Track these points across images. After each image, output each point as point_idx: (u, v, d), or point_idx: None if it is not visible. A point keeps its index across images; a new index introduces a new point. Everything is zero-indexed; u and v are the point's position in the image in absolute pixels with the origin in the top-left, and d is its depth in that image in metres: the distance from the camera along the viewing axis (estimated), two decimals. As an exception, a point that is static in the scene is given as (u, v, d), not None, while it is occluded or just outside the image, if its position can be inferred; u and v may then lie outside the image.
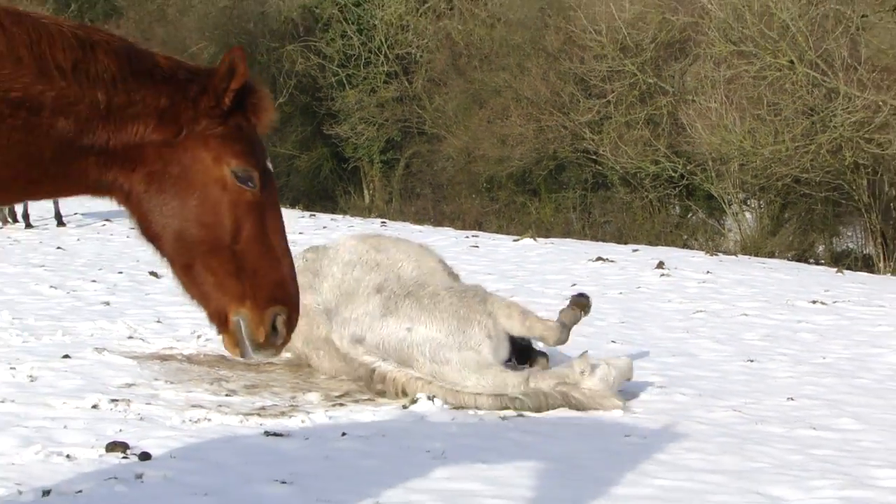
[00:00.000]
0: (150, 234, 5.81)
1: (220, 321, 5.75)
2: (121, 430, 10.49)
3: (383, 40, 53.18)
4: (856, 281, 28.57)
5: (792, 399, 13.88)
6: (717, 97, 39.23)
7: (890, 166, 38.79)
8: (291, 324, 5.82)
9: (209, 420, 11.37)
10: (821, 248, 45.49)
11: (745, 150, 38.84)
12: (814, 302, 22.73)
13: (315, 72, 54.24)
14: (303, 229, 33.75)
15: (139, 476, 9.57)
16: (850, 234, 46.41)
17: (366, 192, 55.05)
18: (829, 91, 39.68)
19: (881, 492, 10.02)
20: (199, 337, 15.60)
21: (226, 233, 5.69)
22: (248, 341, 5.79)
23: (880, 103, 37.68)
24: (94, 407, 11.44)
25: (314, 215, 42.55)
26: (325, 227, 36.76)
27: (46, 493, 8.92)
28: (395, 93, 52.96)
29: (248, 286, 5.74)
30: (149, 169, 5.67)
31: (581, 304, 13.97)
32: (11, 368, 13.16)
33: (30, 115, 5.37)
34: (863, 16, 40.92)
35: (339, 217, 43.74)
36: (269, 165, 5.88)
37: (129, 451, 10.12)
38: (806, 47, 40.08)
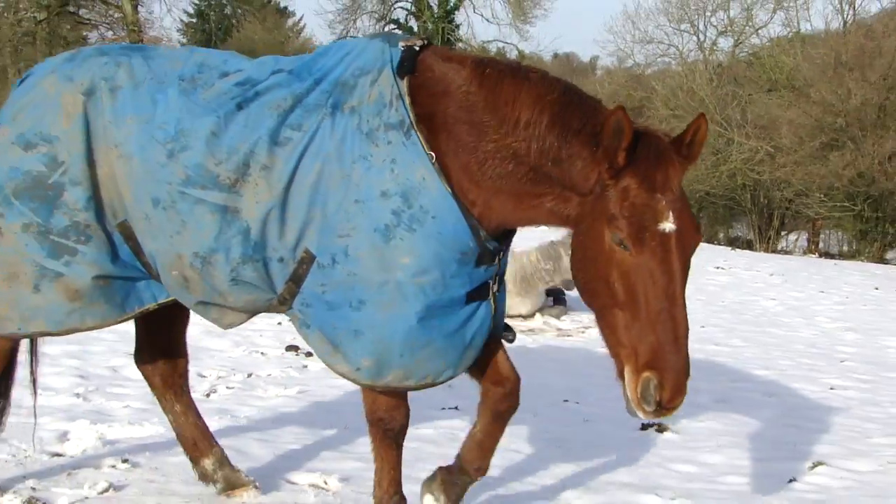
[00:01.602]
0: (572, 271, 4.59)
1: (619, 373, 4.27)
2: (294, 338, 10.49)
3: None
4: (742, 255, 28.52)
5: (703, 326, 13.82)
6: (660, 142, 39.37)
7: (763, 186, 38.85)
8: (665, 390, 4.11)
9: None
10: (721, 234, 45.57)
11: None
12: (717, 267, 22.60)
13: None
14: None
15: (305, 366, 9.62)
16: (739, 226, 46.62)
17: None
18: (728, 139, 39.78)
19: (758, 384, 9.99)
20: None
21: (609, 292, 4.22)
22: (629, 399, 4.23)
23: (758, 148, 38.05)
24: (279, 323, 11.44)
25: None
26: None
27: (249, 375, 8.96)
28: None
29: (631, 346, 4.19)
30: (574, 215, 4.43)
31: None
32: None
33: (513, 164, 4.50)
34: (749, 94, 41.17)
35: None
36: (666, 226, 4.13)
37: (299, 351, 10.16)
38: (714, 112, 40.01)
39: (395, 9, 59.35)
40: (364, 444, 6.83)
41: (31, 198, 4.81)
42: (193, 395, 7.97)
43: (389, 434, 4.96)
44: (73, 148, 4.79)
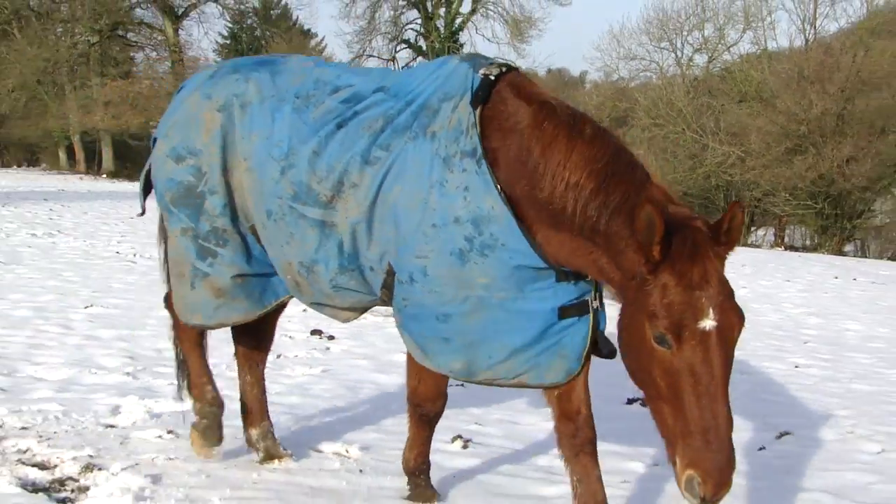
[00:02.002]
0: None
1: (670, 459, 3.70)
2: (318, 323, 10.51)
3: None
4: (716, 248, 28.34)
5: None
6: (643, 148, 39.05)
7: (735, 186, 38.89)
8: (708, 487, 3.49)
9: (364, 318, 11.28)
10: (697, 231, 45.42)
11: (657, 178, 39.31)
12: (693, 259, 22.53)
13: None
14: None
15: (328, 348, 9.61)
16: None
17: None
18: (703, 145, 39.82)
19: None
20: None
21: (653, 385, 3.70)
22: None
23: (730, 153, 38.18)
24: (304, 310, 11.43)
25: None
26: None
27: (278, 356, 8.96)
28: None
29: (675, 440, 3.63)
30: (619, 286, 3.96)
31: None
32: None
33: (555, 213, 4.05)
34: (722, 105, 41.27)
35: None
36: (706, 323, 3.55)
37: (322, 335, 10.14)
38: (691, 121, 40.28)
39: (406, 30, 59.33)
40: (381, 418, 6.90)
41: (185, 205, 4.94)
42: (230, 375, 8.04)
43: (424, 418, 4.90)
44: (211, 160, 4.86)
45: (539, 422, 6.87)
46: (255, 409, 5.78)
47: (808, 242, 41.00)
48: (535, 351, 4.29)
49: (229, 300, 5.01)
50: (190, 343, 5.62)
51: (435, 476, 5.49)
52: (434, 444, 6.16)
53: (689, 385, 3.57)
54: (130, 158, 57.53)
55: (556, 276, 4.22)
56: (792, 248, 39.29)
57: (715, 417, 3.55)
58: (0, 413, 6.42)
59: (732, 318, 3.65)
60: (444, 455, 6.06)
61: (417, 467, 5.08)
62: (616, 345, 4.06)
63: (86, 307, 10.92)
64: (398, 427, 6.61)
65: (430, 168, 4.25)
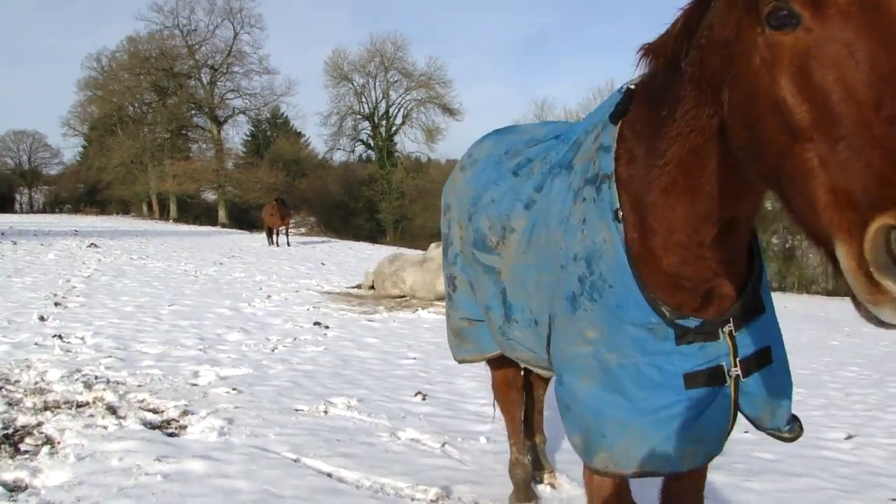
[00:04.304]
0: None
1: (828, 257, 1.27)
2: (317, 318, 10.15)
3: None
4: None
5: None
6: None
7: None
8: None
9: (346, 314, 10.93)
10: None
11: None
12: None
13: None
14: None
15: (326, 334, 9.21)
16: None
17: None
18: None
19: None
20: (341, 286, 14.97)
21: (778, 122, 1.35)
22: (855, 289, 1.19)
23: None
24: (307, 309, 11.08)
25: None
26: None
27: (294, 339, 8.57)
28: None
29: (836, 194, 1.22)
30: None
31: None
32: (273, 296, 12.64)
33: None
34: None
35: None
36: None
37: (321, 325, 9.75)
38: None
39: (361, 133, 60.05)
40: (365, 380, 6.61)
41: (445, 253, 3.41)
42: (264, 352, 7.68)
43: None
44: (452, 214, 3.32)
45: (468, 382, 6.68)
46: (531, 422, 3.98)
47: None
48: (657, 433, 2.09)
49: (462, 340, 3.34)
50: (504, 407, 3.74)
51: (402, 418, 5.25)
52: (403, 397, 5.95)
53: (851, 73, 1.29)
54: (188, 210, 56.35)
55: (674, 336, 2.06)
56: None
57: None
58: (123, 375, 5.99)
59: None
60: (411, 404, 5.81)
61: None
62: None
63: (169, 305, 10.32)
64: (378, 385, 6.34)
65: (562, 204, 2.33)
